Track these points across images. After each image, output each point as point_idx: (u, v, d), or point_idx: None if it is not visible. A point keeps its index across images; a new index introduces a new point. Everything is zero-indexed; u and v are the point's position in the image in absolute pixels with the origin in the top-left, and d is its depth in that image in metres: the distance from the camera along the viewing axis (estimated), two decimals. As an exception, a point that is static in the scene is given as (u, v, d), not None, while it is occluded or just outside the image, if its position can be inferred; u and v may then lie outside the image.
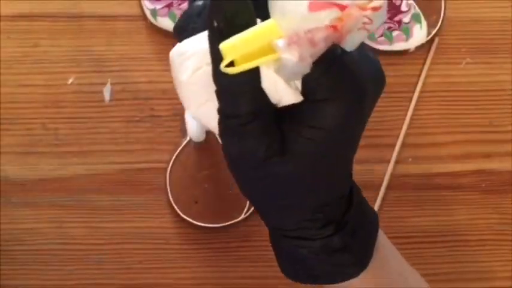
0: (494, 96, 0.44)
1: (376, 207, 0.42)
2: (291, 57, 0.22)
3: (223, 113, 0.24)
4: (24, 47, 0.43)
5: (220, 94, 0.24)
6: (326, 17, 0.21)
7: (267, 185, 0.25)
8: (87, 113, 0.42)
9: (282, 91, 0.23)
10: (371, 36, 0.42)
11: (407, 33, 0.42)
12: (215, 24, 0.23)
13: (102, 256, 0.42)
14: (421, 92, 0.43)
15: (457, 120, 0.43)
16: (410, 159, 0.43)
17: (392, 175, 0.43)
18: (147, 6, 0.41)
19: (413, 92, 0.43)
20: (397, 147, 0.43)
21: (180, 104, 0.42)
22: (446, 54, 0.44)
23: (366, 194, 0.40)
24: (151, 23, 0.42)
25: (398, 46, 0.42)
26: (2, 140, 0.42)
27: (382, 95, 0.45)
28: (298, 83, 0.24)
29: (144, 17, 0.42)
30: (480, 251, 0.43)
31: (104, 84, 0.43)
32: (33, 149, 0.42)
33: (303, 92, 0.24)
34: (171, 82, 0.43)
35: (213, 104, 0.24)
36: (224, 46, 0.22)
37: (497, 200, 0.43)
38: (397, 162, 0.43)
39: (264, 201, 0.27)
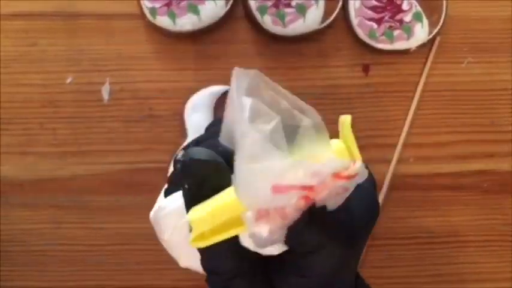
0: (496, 96, 0.43)
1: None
2: (259, 231, 0.21)
3: (207, 269, 0.24)
4: (22, 46, 0.42)
5: (200, 253, 0.23)
6: (292, 197, 0.20)
7: None
8: (85, 113, 0.42)
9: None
10: (372, 35, 0.42)
11: (409, 33, 0.42)
12: (186, 186, 0.22)
13: (100, 257, 0.42)
14: (423, 91, 0.43)
15: (459, 120, 0.43)
16: (411, 159, 0.43)
17: (393, 175, 0.43)
18: (146, 4, 0.41)
19: (414, 91, 0.43)
20: (398, 147, 0.43)
21: (180, 103, 0.43)
22: (447, 53, 0.43)
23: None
24: (150, 22, 0.41)
25: (400, 45, 0.42)
26: (0, 140, 0.42)
27: (383, 94, 0.45)
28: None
29: (142, 15, 0.42)
30: (482, 251, 0.43)
31: (103, 83, 0.42)
32: (31, 149, 0.42)
33: (288, 242, 0.22)
34: (170, 81, 0.44)
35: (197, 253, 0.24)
36: (192, 219, 0.22)
37: (498, 201, 0.43)
38: (398, 162, 0.43)
39: None
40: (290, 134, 0.21)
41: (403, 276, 0.42)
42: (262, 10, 0.41)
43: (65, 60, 0.42)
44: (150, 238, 0.42)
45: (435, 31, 0.42)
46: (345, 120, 0.22)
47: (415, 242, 0.42)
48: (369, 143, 0.43)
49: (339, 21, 0.43)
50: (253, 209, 0.21)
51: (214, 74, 0.43)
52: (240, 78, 0.22)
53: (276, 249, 0.23)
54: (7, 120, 0.42)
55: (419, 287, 0.42)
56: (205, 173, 0.22)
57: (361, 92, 0.43)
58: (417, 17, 0.42)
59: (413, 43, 0.42)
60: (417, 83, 0.43)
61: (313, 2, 0.41)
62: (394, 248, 0.42)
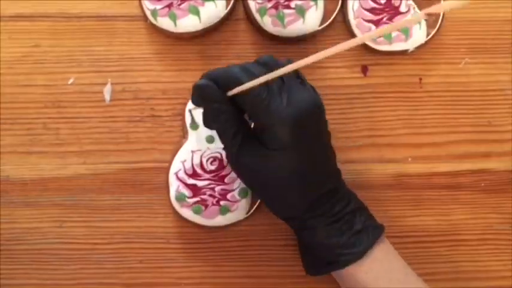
0: (493, 96, 0.44)
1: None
2: None
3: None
4: (25, 47, 0.43)
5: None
6: None
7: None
8: (87, 113, 0.43)
9: None
10: (370, 37, 0.42)
11: (407, 34, 0.42)
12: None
13: (102, 255, 0.42)
14: (420, 92, 0.43)
15: (456, 120, 0.43)
16: (409, 159, 0.43)
17: (391, 175, 0.43)
18: (148, 6, 0.41)
19: (413, 92, 0.43)
20: (396, 147, 0.43)
21: (181, 104, 0.43)
22: (445, 54, 0.44)
23: (364, 194, 0.41)
24: (151, 23, 0.42)
25: (398, 46, 0.42)
26: (3, 140, 0.42)
27: (381, 95, 0.45)
28: None
29: (144, 17, 0.42)
30: (479, 250, 0.43)
31: (104, 84, 0.43)
32: (34, 148, 0.42)
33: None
34: (171, 82, 0.44)
35: None
36: None
37: (496, 200, 0.43)
38: (396, 162, 0.43)
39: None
40: None
41: (400, 274, 0.42)
42: (262, 11, 0.41)
43: (68, 61, 0.43)
44: (151, 237, 0.42)
45: (433, 32, 0.42)
46: None
47: (412, 241, 0.43)
48: (367, 143, 0.43)
49: (338, 23, 0.43)
50: None
51: (214, 75, 0.43)
52: None
53: None
54: (10, 121, 0.42)
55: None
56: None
57: (359, 93, 0.43)
58: (415, 19, 0.42)
59: (411, 44, 0.42)
60: (416, 84, 0.44)
61: (312, 3, 0.41)
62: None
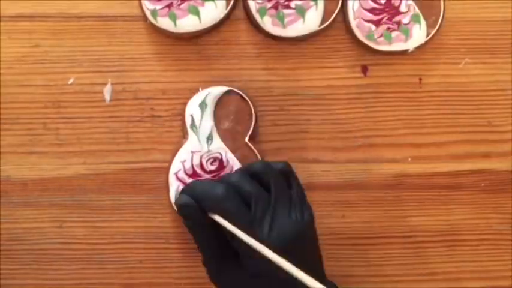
0: (494, 96, 0.44)
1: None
2: None
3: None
4: (25, 47, 0.43)
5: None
6: None
7: None
8: (87, 113, 0.42)
9: None
10: (370, 37, 0.42)
11: (407, 34, 0.42)
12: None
13: (102, 256, 0.42)
14: (420, 91, 0.43)
15: (456, 120, 0.43)
16: (409, 159, 0.43)
17: (391, 175, 0.43)
18: (148, 6, 0.41)
19: (413, 92, 0.43)
20: (396, 147, 0.43)
21: (181, 104, 0.43)
22: (445, 54, 0.44)
23: (365, 194, 0.41)
24: (151, 24, 0.42)
25: (398, 46, 0.42)
26: (2, 140, 0.42)
27: (381, 95, 0.45)
28: None
29: (144, 17, 0.42)
30: (479, 250, 0.43)
31: (104, 84, 0.43)
32: (34, 148, 0.42)
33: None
34: (171, 82, 0.44)
35: None
36: None
37: (496, 200, 0.43)
38: (396, 162, 0.43)
39: None
40: None
41: (400, 274, 0.42)
42: (262, 11, 0.41)
43: (68, 61, 0.43)
44: (151, 237, 0.42)
45: (433, 32, 0.42)
46: None
47: (412, 241, 0.43)
48: (367, 143, 0.43)
49: (338, 23, 0.43)
50: None
51: (214, 75, 0.43)
52: None
53: None
54: (10, 121, 0.42)
55: (417, 285, 0.42)
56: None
57: (359, 93, 0.43)
58: (415, 19, 0.42)
59: (411, 44, 0.42)
60: (416, 84, 0.44)
61: (312, 3, 0.41)
62: (391, 246, 0.42)
